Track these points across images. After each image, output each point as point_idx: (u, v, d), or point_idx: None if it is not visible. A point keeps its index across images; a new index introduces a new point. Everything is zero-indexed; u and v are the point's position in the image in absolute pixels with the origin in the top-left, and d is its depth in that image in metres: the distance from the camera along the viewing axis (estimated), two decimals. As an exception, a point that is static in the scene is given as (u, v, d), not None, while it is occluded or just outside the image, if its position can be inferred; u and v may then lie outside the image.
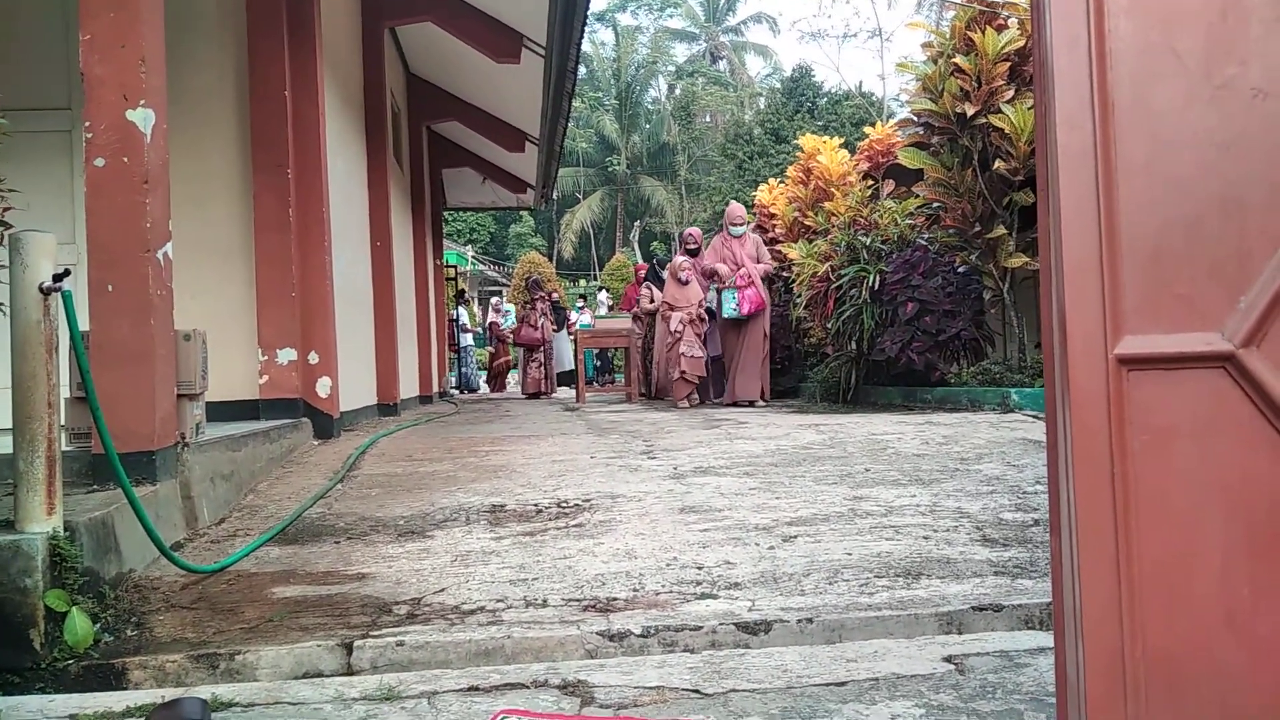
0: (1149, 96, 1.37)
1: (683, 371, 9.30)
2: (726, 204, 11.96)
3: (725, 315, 9.26)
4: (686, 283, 9.59)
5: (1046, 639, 2.41)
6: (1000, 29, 7.37)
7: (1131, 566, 1.30)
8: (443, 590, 2.86)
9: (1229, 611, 1.29)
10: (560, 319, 16.50)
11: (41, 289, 2.64)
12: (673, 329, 9.40)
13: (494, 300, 20.71)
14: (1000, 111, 7.03)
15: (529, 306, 15.32)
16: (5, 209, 2.51)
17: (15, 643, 2.45)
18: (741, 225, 9.86)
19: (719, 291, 9.48)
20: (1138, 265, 1.34)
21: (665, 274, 11.22)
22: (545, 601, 2.74)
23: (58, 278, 2.67)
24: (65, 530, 2.65)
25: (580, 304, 21.67)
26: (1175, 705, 1.29)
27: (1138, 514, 1.30)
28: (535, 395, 14.38)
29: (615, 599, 2.74)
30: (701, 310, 9.57)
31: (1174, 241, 1.34)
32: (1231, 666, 1.28)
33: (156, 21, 3.60)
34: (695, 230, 11.19)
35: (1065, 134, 1.36)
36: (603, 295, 22.38)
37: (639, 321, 11.95)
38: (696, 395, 9.57)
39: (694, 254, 10.41)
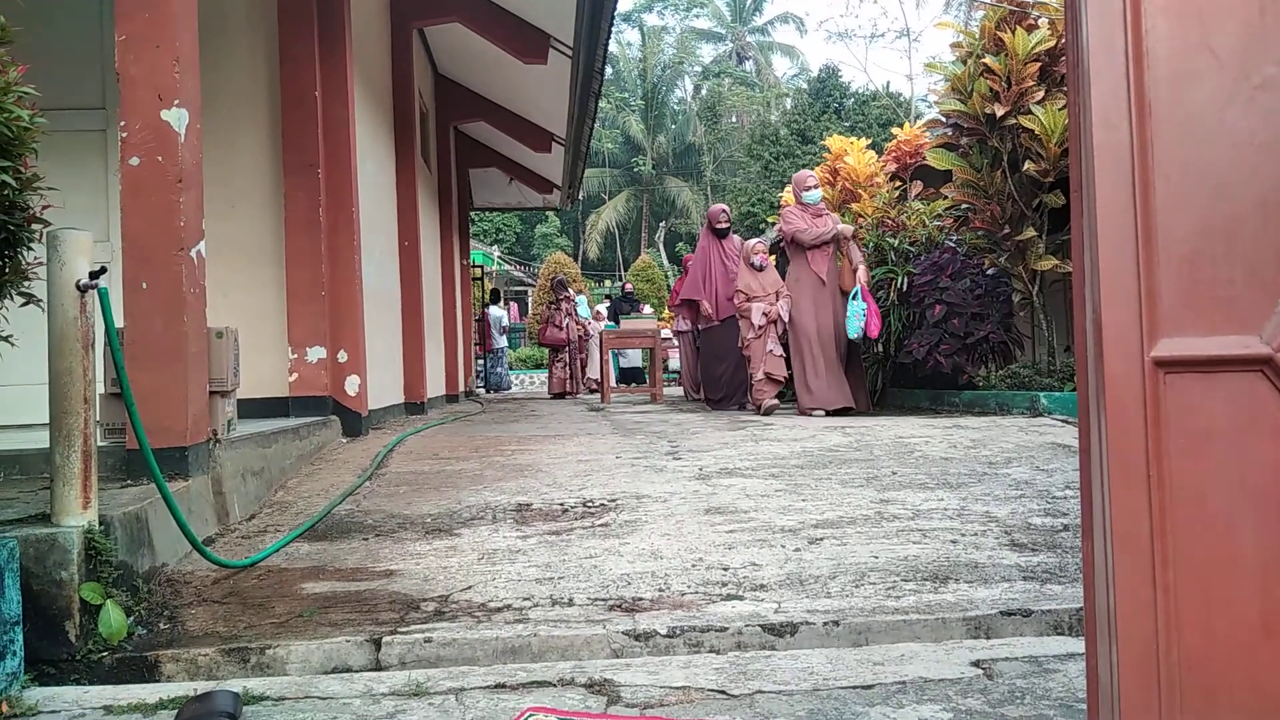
0: (1186, 96, 1.36)
1: (767, 372, 8.04)
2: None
3: (850, 336, 7.61)
4: (762, 268, 8.22)
5: (1076, 645, 2.39)
6: (1030, 29, 7.30)
7: (1167, 571, 1.28)
8: (470, 588, 2.88)
9: (1266, 615, 1.27)
10: (619, 310, 15.62)
11: (78, 286, 2.68)
12: (756, 323, 8.01)
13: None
14: (1030, 112, 6.96)
15: (554, 307, 15.30)
16: (44, 207, 2.55)
17: (51, 634, 2.49)
18: (818, 189, 8.16)
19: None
20: (1174, 267, 1.32)
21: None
22: (571, 600, 2.75)
23: (94, 275, 2.71)
24: (100, 524, 2.69)
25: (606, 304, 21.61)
26: (1211, 709, 1.27)
27: (1174, 517, 1.29)
28: (560, 395, 14.42)
29: (641, 599, 2.74)
30: (783, 302, 8.02)
31: (1212, 243, 1.32)
32: (1268, 669, 1.27)
33: (190, 22, 3.65)
34: (723, 208, 9.68)
35: (1102, 134, 1.35)
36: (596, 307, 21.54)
37: (683, 318, 10.95)
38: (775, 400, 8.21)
39: (723, 235, 9.25)
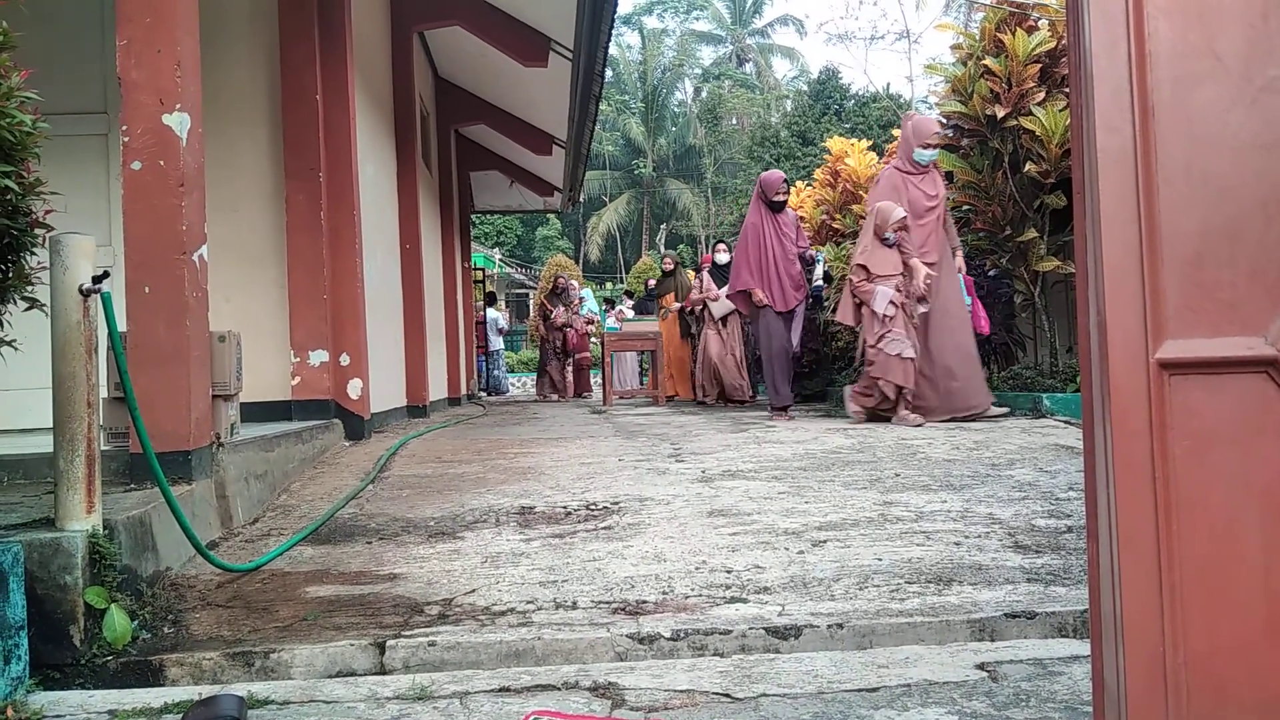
0: (1189, 99, 1.36)
1: (898, 385, 6.41)
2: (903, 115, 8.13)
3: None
4: (892, 243, 6.54)
5: (1081, 647, 2.39)
6: (1031, 30, 7.30)
7: (1173, 571, 1.28)
8: (473, 591, 2.88)
9: (1272, 617, 1.27)
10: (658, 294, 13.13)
11: (81, 290, 2.68)
12: (881, 311, 6.42)
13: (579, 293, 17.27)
14: (1031, 114, 6.96)
15: (551, 304, 14.91)
16: (46, 212, 2.55)
17: (56, 639, 2.49)
18: (935, 150, 6.84)
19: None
20: (1178, 269, 1.32)
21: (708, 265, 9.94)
22: (575, 604, 2.75)
23: (97, 279, 2.71)
24: (104, 528, 2.69)
25: (607, 307, 21.28)
26: (1217, 710, 1.27)
27: (1179, 518, 1.29)
28: (560, 398, 14.37)
29: (645, 602, 2.74)
30: (923, 281, 6.46)
31: (1216, 245, 1.33)
32: (1274, 670, 1.27)
33: (192, 27, 3.65)
34: (782, 175, 7.96)
35: (1105, 136, 1.35)
36: (621, 306, 19.36)
37: (695, 319, 10.42)
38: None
39: (779, 209, 7.68)
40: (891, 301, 6.40)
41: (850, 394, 6.85)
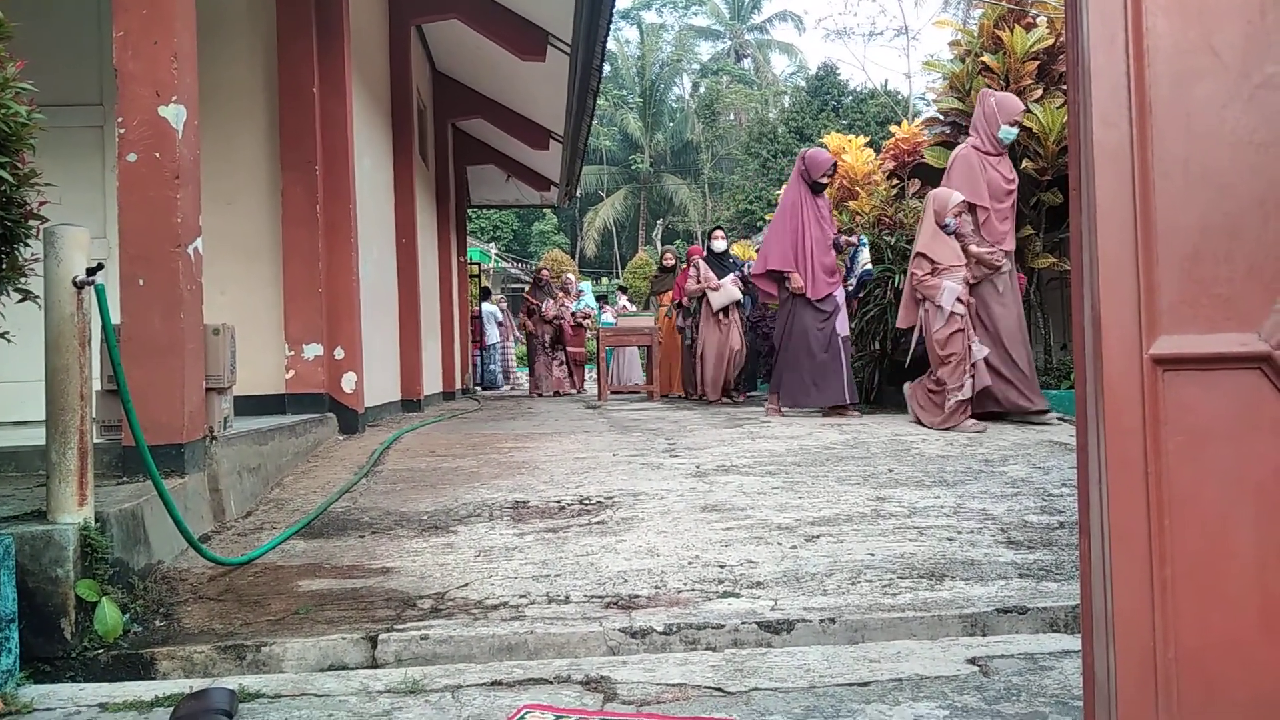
0: (1187, 95, 1.36)
1: (948, 384, 5.80)
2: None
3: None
4: (951, 230, 5.97)
5: (1071, 642, 2.39)
6: (1029, 27, 7.31)
7: (1164, 567, 1.28)
8: (466, 585, 2.88)
9: (1263, 611, 1.28)
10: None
11: (75, 283, 2.67)
12: (948, 307, 5.77)
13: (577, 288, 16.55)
14: (1028, 110, 6.97)
15: (536, 297, 14.60)
16: (41, 203, 2.54)
17: (47, 632, 2.48)
18: (1017, 129, 6.31)
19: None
20: (1174, 265, 1.32)
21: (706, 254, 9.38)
22: (568, 598, 2.75)
23: (91, 272, 2.70)
24: (96, 521, 2.69)
25: (601, 304, 21.15)
26: (1208, 706, 1.27)
27: (1171, 514, 1.29)
28: (555, 394, 14.29)
29: (637, 596, 2.74)
30: (1004, 258, 5.85)
31: (1211, 241, 1.32)
32: (1266, 666, 1.27)
33: (188, 18, 3.64)
34: (829, 155, 7.30)
35: (1101, 131, 1.35)
36: (624, 300, 18.80)
37: (683, 311, 10.03)
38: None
39: (819, 190, 7.11)
40: (959, 298, 5.79)
41: (912, 393, 6.14)
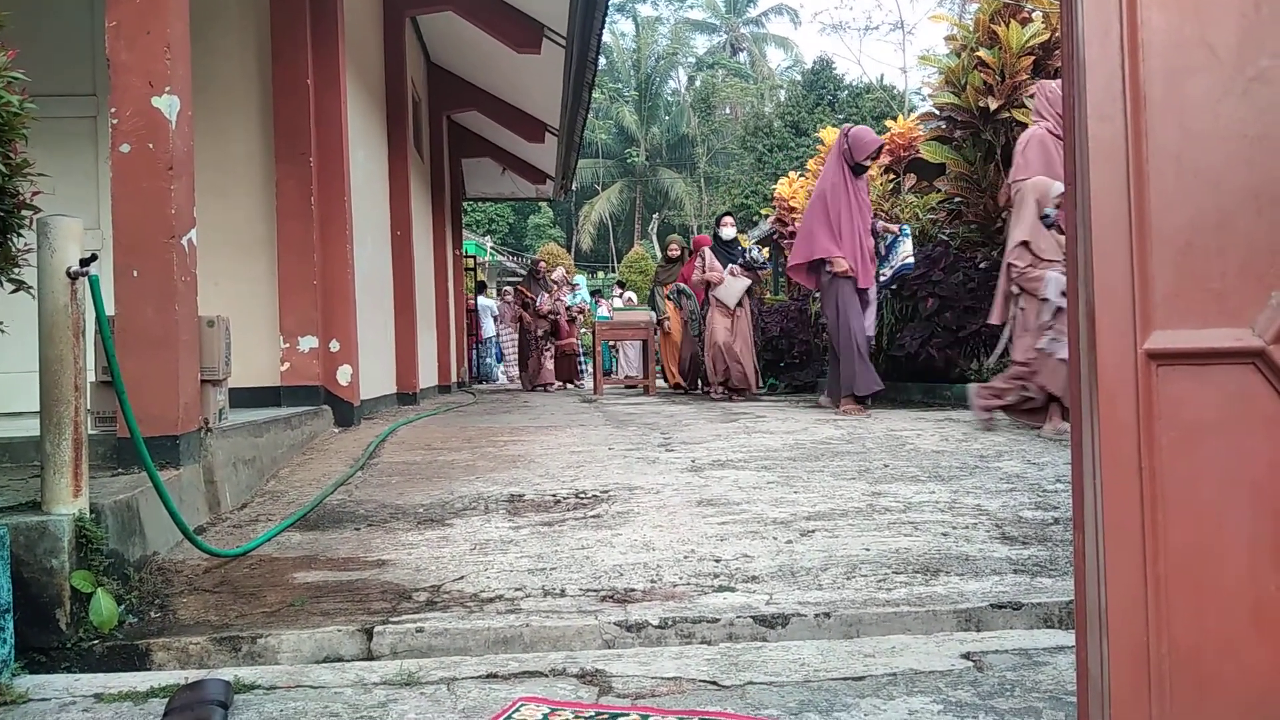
0: (1181, 89, 1.36)
1: (1032, 382, 5.27)
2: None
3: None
4: (1051, 221, 5.32)
5: (1066, 637, 2.40)
6: (1024, 22, 7.31)
7: (1158, 563, 1.29)
8: (462, 578, 2.88)
9: (1257, 607, 1.28)
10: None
11: (69, 273, 2.67)
12: (1054, 300, 5.12)
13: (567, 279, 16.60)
14: (1024, 106, 6.97)
15: (530, 290, 14.53)
16: (34, 193, 2.53)
17: (42, 622, 2.48)
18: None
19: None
20: (1168, 259, 1.32)
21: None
22: (563, 591, 2.75)
23: (85, 262, 2.70)
24: (91, 512, 2.68)
25: (597, 299, 21.05)
26: (1201, 702, 1.28)
27: (1165, 510, 1.30)
28: (546, 387, 14.25)
29: (633, 590, 2.75)
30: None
31: (1205, 235, 1.33)
32: (1259, 662, 1.28)
33: (181, 9, 3.62)
34: (874, 135, 6.82)
35: (1096, 126, 1.35)
36: (621, 297, 18.78)
37: (687, 298, 9.84)
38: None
39: (860, 172, 6.68)
40: (1063, 291, 4.82)
41: (978, 391, 5.66)
